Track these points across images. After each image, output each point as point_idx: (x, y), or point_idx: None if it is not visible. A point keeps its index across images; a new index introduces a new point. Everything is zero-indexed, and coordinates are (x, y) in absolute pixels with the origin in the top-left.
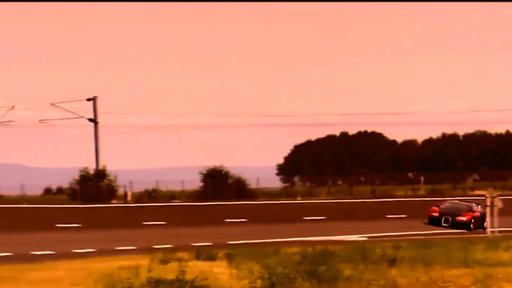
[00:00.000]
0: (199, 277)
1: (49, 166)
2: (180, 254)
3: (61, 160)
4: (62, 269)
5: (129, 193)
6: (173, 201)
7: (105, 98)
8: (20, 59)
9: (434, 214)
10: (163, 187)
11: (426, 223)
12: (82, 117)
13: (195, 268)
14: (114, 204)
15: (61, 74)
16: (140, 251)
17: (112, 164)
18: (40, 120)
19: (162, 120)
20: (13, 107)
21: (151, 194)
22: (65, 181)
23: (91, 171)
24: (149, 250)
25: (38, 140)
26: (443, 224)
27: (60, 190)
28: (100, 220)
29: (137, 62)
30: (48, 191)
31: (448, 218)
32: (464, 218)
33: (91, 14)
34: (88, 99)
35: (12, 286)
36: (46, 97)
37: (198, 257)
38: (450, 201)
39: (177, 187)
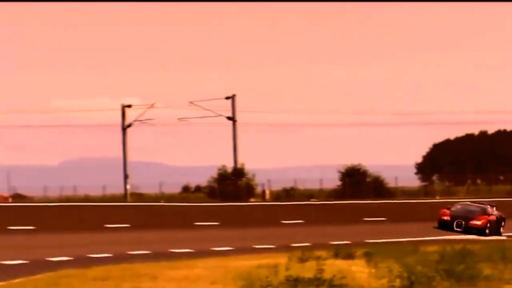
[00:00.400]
0: (337, 275)
1: (187, 164)
2: (318, 253)
3: (199, 158)
4: (201, 267)
5: (267, 192)
6: (311, 199)
7: (243, 96)
8: (160, 59)
9: (445, 217)
10: (301, 186)
11: (435, 228)
12: (221, 115)
13: (333, 266)
14: (252, 202)
15: (201, 72)
16: (278, 249)
17: (250, 162)
18: (179, 119)
19: (300, 118)
20: (152, 105)
21: (289, 193)
22: (203, 179)
23: (229, 170)
24: (287, 249)
25: (176, 138)
26: (455, 229)
27: (198, 188)
28: (238, 218)
29: (276, 60)
30: (186, 189)
31: (461, 222)
32: (478, 222)
33: (225, 14)
34: (227, 98)
35: (151, 284)
36: (185, 95)
37: (336, 256)
38: (463, 203)
39: (315, 186)
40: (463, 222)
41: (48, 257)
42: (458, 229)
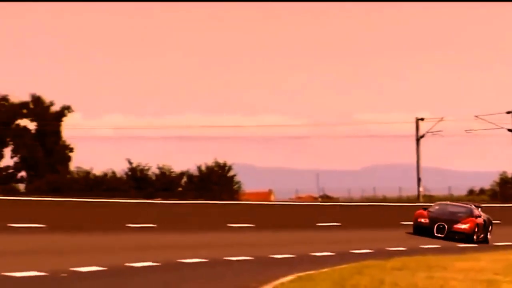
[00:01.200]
0: None
1: (472, 169)
2: None
3: (483, 164)
4: (485, 260)
5: None
6: None
7: None
8: (444, 77)
9: (423, 220)
10: None
11: (409, 233)
12: (502, 127)
13: None
14: None
15: (484, 87)
16: None
17: None
18: (465, 130)
19: None
20: (442, 119)
21: None
22: (486, 183)
23: (510, 175)
24: None
25: (463, 147)
26: (435, 235)
27: (482, 191)
28: None
29: None
30: (471, 192)
31: (443, 226)
32: (465, 226)
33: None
34: (508, 112)
35: (443, 274)
36: (472, 109)
37: None
38: (442, 204)
39: None
40: (446, 226)
41: (352, 250)
42: (439, 235)
